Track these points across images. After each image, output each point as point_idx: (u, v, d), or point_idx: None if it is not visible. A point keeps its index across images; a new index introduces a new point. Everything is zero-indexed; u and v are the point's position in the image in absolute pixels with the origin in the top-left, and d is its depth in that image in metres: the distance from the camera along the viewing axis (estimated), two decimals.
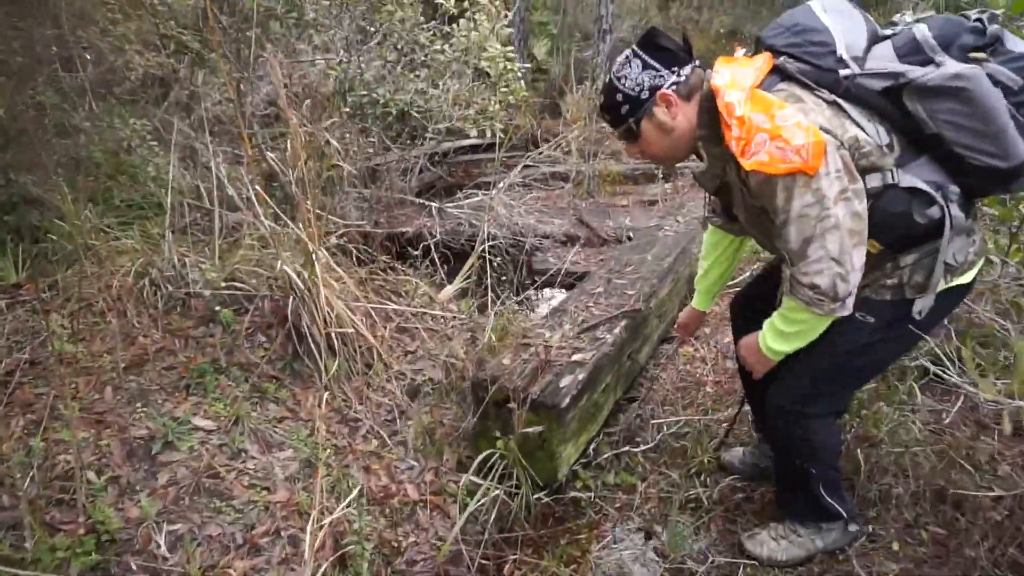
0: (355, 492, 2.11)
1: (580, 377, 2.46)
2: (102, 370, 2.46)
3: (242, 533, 2.12)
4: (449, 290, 3.66)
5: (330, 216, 2.55)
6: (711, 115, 1.68)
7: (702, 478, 2.62)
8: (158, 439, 2.25)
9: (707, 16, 16.01)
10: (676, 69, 1.73)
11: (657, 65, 1.72)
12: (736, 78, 1.64)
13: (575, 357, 2.56)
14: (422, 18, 3.27)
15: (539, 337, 2.71)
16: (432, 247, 4.18)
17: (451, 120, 3.44)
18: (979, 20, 1.64)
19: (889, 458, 2.47)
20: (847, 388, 2.05)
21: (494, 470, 2.38)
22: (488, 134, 3.58)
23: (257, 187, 2.32)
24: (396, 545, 2.28)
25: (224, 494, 2.20)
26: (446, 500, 2.50)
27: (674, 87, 1.72)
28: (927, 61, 1.58)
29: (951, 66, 1.54)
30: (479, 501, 2.29)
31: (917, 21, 1.67)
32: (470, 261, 3.67)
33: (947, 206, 1.63)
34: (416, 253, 4.02)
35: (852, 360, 1.88)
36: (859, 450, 2.43)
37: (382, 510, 2.38)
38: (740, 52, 1.81)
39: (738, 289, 2.65)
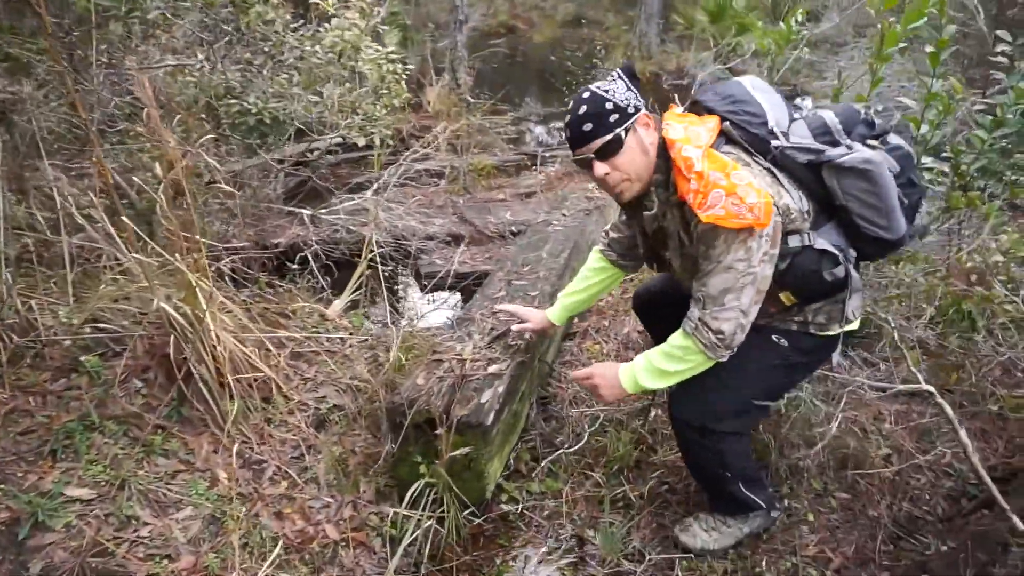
0: (278, 548, 1.89)
1: (500, 390, 2.38)
2: None
3: None
4: (338, 305, 3.44)
5: (201, 238, 2.26)
6: (665, 162, 1.84)
7: (626, 474, 2.63)
8: (24, 520, 1.91)
9: (552, 3, 16.38)
10: (645, 101, 1.85)
11: (636, 91, 1.84)
12: (690, 135, 1.79)
13: (491, 369, 2.47)
14: (288, 18, 2.99)
15: (449, 351, 2.59)
16: (309, 258, 3.92)
17: (338, 129, 3.20)
18: (865, 111, 1.97)
19: (794, 432, 2.61)
20: (755, 410, 2.10)
21: (423, 498, 2.25)
22: (377, 141, 3.38)
23: (124, 217, 2.00)
24: None
25: (117, 572, 1.91)
26: (369, 535, 2.34)
27: (651, 112, 1.85)
28: (835, 143, 1.86)
29: (863, 151, 1.81)
30: (413, 534, 2.15)
31: (818, 107, 1.99)
32: (358, 271, 3.47)
33: (848, 267, 1.87)
34: (295, 267, 3.75)
35: (762, 379, 2.03)
36: (768, 433, 2.53)
37: (301, 557, 2.18)
38: (677, 109, 1.99)
39: (638, 286, 2.73)
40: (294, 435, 2.54)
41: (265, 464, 2.41)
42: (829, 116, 1.90)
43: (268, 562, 1.85)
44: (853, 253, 1.91)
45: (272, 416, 2.53)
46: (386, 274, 3.72)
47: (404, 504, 2.20)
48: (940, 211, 2.81)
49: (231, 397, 2.45)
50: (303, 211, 4.36)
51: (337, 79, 3.11)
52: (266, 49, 2.81)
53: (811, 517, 2.40)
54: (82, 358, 2.32)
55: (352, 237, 4.40)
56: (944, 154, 2.66)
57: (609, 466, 2.66)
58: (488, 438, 2.28)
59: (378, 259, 3.63)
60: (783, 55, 3.24)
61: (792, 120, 1.91)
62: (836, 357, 2.05)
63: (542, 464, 2.72)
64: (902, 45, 2.54)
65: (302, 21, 2.93)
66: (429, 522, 2.21)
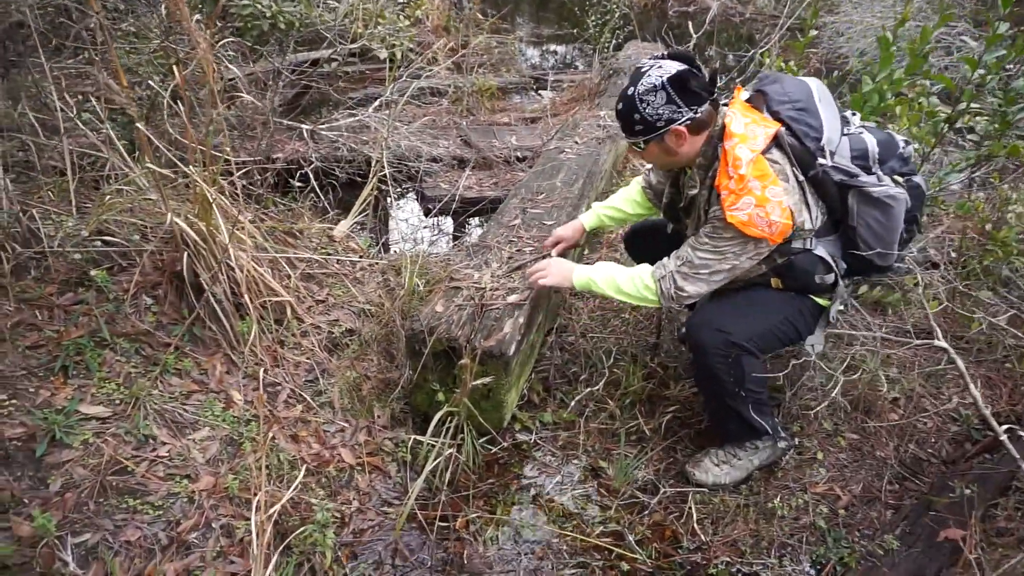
0: (301, 473, 1.87)
1: (520, 320, 2.34)
2: None
3: (166, 532, 1.84)
4: (345, 224, 3.34)
5: (212, 150, 2.14)
6: (714, 149, 2.00)
7: (639, 408, 2.64)
8: (40, 437, 1.86)
9: None
10: (695, 108, 1.96)
11: (680, 103, 1.94)
12: (748, 134, 1.92)
13: (511, 298, 2.42)
14: None
15: (467, 278, 2.53)
16: (311, 175, 3.78)
17: (358, 40, 3.00)
18: (906, 145, 2.14)
19: (806, 375, 2.63)
20: (772, 337, 2.17)
21: (444, 427, 2.24)
22: (399, 55, 3.19)
23: (140, 125, 1.87)
24: (340, 515, 2.10)
25: (137, 491, 1.88)
26: (384, 460, 2.33)
27: (687, 123, 1.96)
28: (867, 168, 2.04)
29: (890, 186, 2.01)
30: (435, 461, 2.14)
31: (863, 127, 2.14)
32: (365, 191, 3.35)
33: (838, 277, 2.12)
34: (298, 184, 3.61)
35: (780, 310, 2.16)
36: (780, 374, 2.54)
37: (318, 480, 2.17)
38: (742, 95, 2.10)
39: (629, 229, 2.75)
40: (307, 358, 2.49)
41: (279, 387, 2.37)
42: (871, 143, 2.06)
43: (292, 487, 1.82)
44: (844, 265, 2.13)
45: (285, 338, 2.48)
46: (392, 196, 3.61)
47: (428, 432, 2.18)
48: (971, 159, 2.76)
49: (243, 318, 2.38)
50: (303, 126, 4.17)
51: None
52: None
53: (821, 456, 2.43)
54: (90, 272, 2.22)
55: (353, 156, 4.24)
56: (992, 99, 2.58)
57: (622, 399, 2.66)
58: (509, 368, 2.25)
59: (382, 180, 3.51)
60: None
61: (841, 136, 2.05)
62: (812, 340, 2.25)
63: (555, 395, 2.72)
64: None
65: None
66: (450, 450, 2.20)
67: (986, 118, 2.71)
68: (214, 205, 2.01)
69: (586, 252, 3.57)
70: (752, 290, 2.16)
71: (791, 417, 2.58)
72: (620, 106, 2.03)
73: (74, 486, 1.81)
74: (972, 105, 2.56)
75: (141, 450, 1.97)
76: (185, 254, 2.12)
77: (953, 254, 2.98)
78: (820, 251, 2.07)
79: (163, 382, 2.17)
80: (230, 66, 2.27)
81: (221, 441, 2.10)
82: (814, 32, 3.34)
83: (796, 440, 2.48)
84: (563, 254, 2.57)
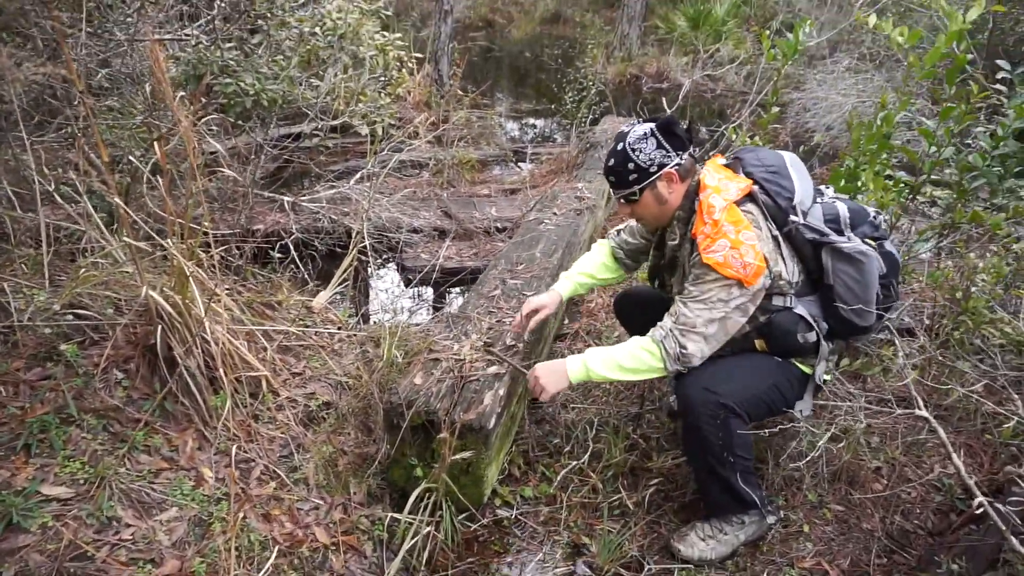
0: (273, 555, 1.79)
1: (500, 392, 2.31)
2: None
3: None
4: (323, 297, 3.33)
5: (191, 223, 2.13)
6: (691, 202, 2.12)
7: (621, 481, 2.59)
8: None
9: (531, 0, 16.29)
10: (681, 154, 2.10)
11: (668, 148, 2.08)
12: (721, 187, 2.05)
13: (491, 370, 2.40)
14: None
15: (446, 350, 2.51)
16: (291, 247, 3.79)
17: (340, 116, 3.07)
18: (876, 215, 2.27)
19: (789, 444, 2.61)
20: (759, 403, 2.17)
21: (423, 503, 2.17)
22: (380, 131, 3.26)
23: (117, 199, 1.87)
24: None
25: None
26: (360, 539, 2.25)
27: (676, 167, 2.09)
28: (840, 232, 2.15)
29: (859, 244, 2.11)
30: (412, 539, 2.07)
31: (836, 199, 2.26)
32: (346, 262, 3.36)
33: (820, 335, 2.16)
34: (278, 256, 3.61)
35: (766, 376, 2.18)
36: (763, 444, 2.52)
37: (290, 561, 2.08)
38: (720, 160, 2.25)
39: (621, 290, 2.81)
40: (282, 433, 2.43)
41: (252, 463, 2.30)
42: (842, 209, 2.19)
43: (262, 570, 1.74)
44: (825, 326, 2.18)
45: (260, 412, 2.42)
46: (372, 267, 3.61)
47: (406, 510, 2.11)
48: (936, 227, 2.85)
49: (216, 392, 2.33)
50: (284, 197, 4.21)
51: (336, 63, 2.98)
52: (264, 27, 2.68)
53: (807, 528, 2.39)
54: (60, 346, 2.17)
55: (334, 227, 4.27)
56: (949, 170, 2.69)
57: (604, 472, 2.62)
58: (489, 442, 2.21)
59: (365, 251, 3.52)
60: (786, 63, 3.22)
61: (814, 202, 2.17)
62: (801, 405, 2.25)
63: (536, 468, 2.67)
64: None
65: (302, 0, 2.82)
66: (428, 528, 2.13)
67: (947, 190, 2.81)
68: (191, 278, 1.99)
69: (566, 321, 3.58)
70: (743, 355, 2.19)
71: (775, 488, 2.55)
72: (612, 161, 2.11)
73: (29, 574, 1.72)
74: (933, 176, 2.66)
75: (103, 533, 1.88)
76: (159, 327, 2.09)
77: (927, 321, 3.03)
78: (800, 309, 2.13)
79: (131, 460, 2.10)
80: (211, 140, 2.29)
81: (189, 522, 2.01)
82: (776, 109, 3.49)
83: (782, 513, 2.44)
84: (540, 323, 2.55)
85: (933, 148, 2.60)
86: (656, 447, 2.72)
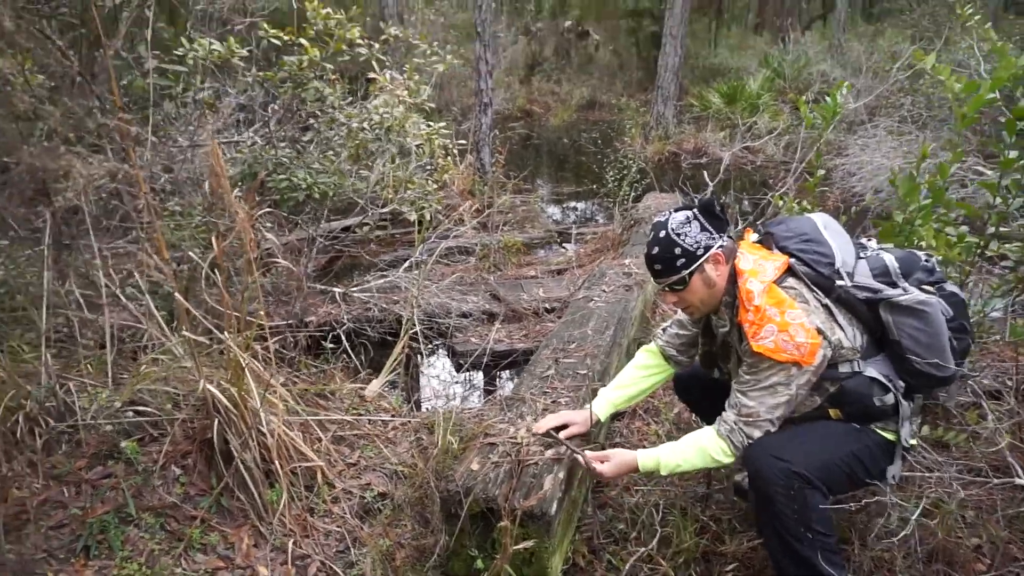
0: None
1: (560, 476, 2.22)
2: None
3: None
4: (376, 385, 3.32)
5: (246, 316, 2.17)
6: (734, 286, 2.05)
7: (692, 567, 2.42)
8: None
9: (567, 88, 16.89)
10: (723, 235, 2.04)
11: (712, 230, 2.02)
12: (757, 268, 2.00)
13: (549, 453, 2.31)
14: (340, 93, 3.02)
15: (502, 434, 2.44)
16: (343, 337, 3.82)
17: (389, 204, 3.17)
18: (928, 259, 2.16)
19: (874, 523, 2.41)
20: (838, 473, 2.04)
21: None
22: (428, 216, 3.35)
23: (177, 294, 1.92)
24: None
25: None
26: None
27: (721, 248, 2.02)
28: (893, 284, 2.06)
29: (918, 293, 2.01)
30: None
31: (880, 250, 2.18)
32: (397, 350, 3.36)
33: (897, 396, 2.02)
34: (330, 346, 3.65)
35: (843, 444, 2.04)
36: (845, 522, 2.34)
37: None
38: (752, 237, 2.20)
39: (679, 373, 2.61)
40: (338, 526, 2.37)
41: (309, 559, 2.23)
42: (890, 260, 2.10)
43: None
44: (901, 384, 2.04)
45: (315, 506, 2.37)
46: (423, 353, 3.61)
47: None
48: (1011, 281, 2.71)
49: (272, 485, 2.30)
50: (336, 289, 4.29)
51: (384, 154, 3.10)
52: (315, 125, 2.82)
53: None
54: (121, 444, 2.19)
55: (384, 315, 4.31)
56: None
57: (675, 559, 2.45)
58: (551, 530, 2.10)
59: (417, 337, 3.53)
60: (827, 127, 3.20)
61: (857, 259, 2.10)
62: (893, 470, 2.11)
63: (602, 557, 2.52)
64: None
65: (350, 99, 2.95)
66: None
67: (1017, 243, 2.69)
68: (246, 369, 2.00)
69: (614, 423, 3.45)
70: (816, 423, 2.07)
71: (864, 572, 2.34)
72: (656, 249, 2.04)
73: None
74: (1001, 228, 2.56)
75: None
76: (216, 421, 2.09)
77: (1009, 383, 2.83)
78: (871, 372, 2.02)
79: (187, 559, 2.06)
80: (267, 235, 2.37)
81: None
82: (822, 172, 3.45)
83: None
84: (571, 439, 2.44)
85: (998, 200, 2.50)
86: (728, 529, 2.55)
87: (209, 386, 2.05)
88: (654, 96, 12.16)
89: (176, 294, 1.89)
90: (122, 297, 2.43)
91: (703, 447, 2.03)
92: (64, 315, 2.70)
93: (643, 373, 2.48)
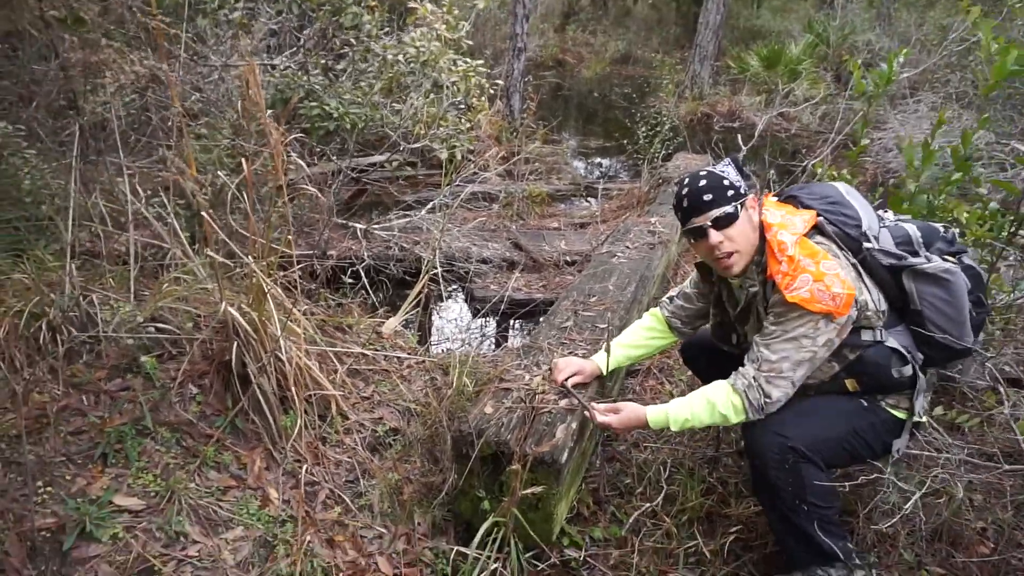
0: None
1: (573, 426, 2.22)
2: None
3: None
4: (393, 323, 3.31)
5: (270, 243, 2.16)
6: (761, 244, 1.99)
7: (696, 527, 2.44)
8: (70, 528, 1.78)
9: (601, 40, 16.47)
10: (749, 188, 2.00)
11: (743, 177, 2.00)
12: (786, 222, 1.96)
13: (563, 403, 2.31)
14: (377, 22, 2.93)
15: (518, 380, 2.44)
16: (362, 273, 3.82)
17: (420, 140, 3.10)
18: (946, 229, 2.12)
19: (880, 498, 2.40)
20: (836, 447, 2.03)
21: (489, 538, 2.08)
22: (459, 155, 3.28)
23: (204, 212, 1.90)
24: None
25: None
26: (423, 572, 2.17)
27: (754, 195, 1.99)
28: (915, 253, 2.01)
29: (940, 262, 1.98)
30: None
31: (899, 220, 2.14)
32: (416, 289, 3.35)
33: (915, 367, 1.99)
34: (349, 281, 3.64)
35: (844, 420, 2.03)
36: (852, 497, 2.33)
37: None
38: (772, 197, 2.15)
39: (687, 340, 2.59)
40: (349, 457, 2.39)
41: (318, 486, 2.26)
42: (912, 229, 2.06)
43: None
44: (920, 356, 2.01)
45: (328, 435, 2.39)
46: (442, 295, 3.60)
47: (473, 544, 2.03)
48: None
49: (286, 412, 2.32)
50: (357, 225, 4.27)
51: (419, 89, 3.02)
52: (350, 54, 2.74)
53: None
54: (140, 359, 2.21)
55: (404, 255, 4.30)
56: None
57: (679, 517, 2.47)
58: (560, 477, 2.11)
59: (436, 279, 3.52)
60: (880, 94, 3.08)
61: (880, 228, 2.06)
62: (899, 443, 2.08)
63: (606, 508, 2.54)
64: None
65: (387, 29, 2.86)
66: (495, 564, 2.03)
67: None
68: (268, 295, 1.99)
69: (627, 380, 3.43)
70: (821, 397, 2.04)
71: (866, 545, 2.34)
72: (703, 182, 1.95)
73: None
74: None
75: (171, 548, 1.87)
76: (235, 344, 2.10)
77: None
78: (892, 342, 1.98)
79: (201, 475, 2.09)
80: (296, 160, 2.32)
81: (254, 542, 1.98)
82: (866, 142, 3.33)
83: (874, 572, 2.24)
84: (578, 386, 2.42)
85: None
86: (734, 492, 2.56)
87: (230, 308, 2.04)
88: (691, 54, 11.84)
89: (203, 212, 1.86)
90: (147, 214, 2.42)
91: (713, 401, 1.99)
92: (88, 228, 2.70)
93: (648, 335, 2.46)
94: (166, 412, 2.16)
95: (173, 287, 2.36)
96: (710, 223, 1.94)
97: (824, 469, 1.97)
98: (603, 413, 2.13)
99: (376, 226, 4.40)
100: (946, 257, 2.04)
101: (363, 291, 3.65)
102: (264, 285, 1.98)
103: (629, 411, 2.11)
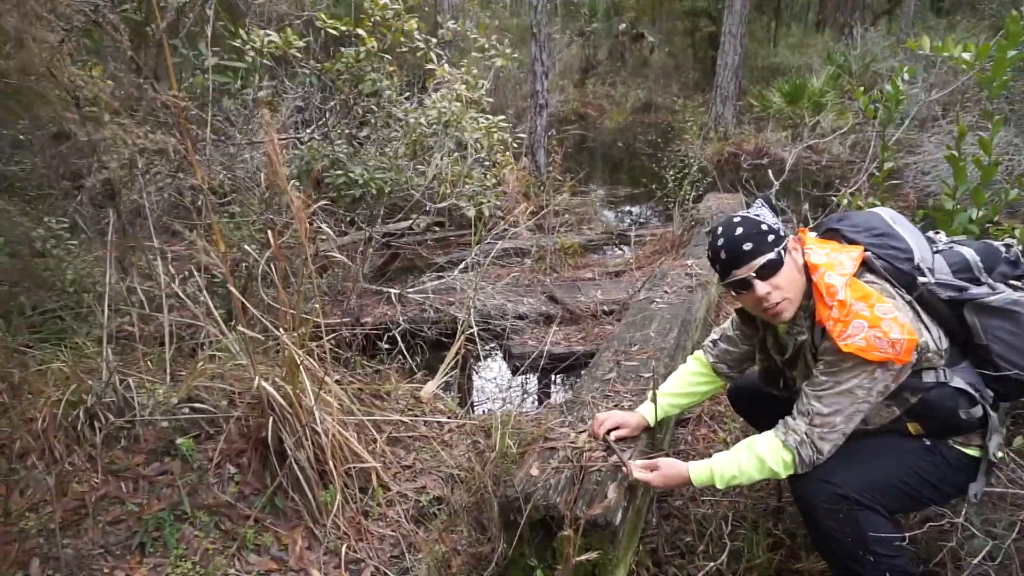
0: None
1: (624, 484, 2.09)
2: (25, 534, 1.90)
3: None
4: (431, 386, 3.25)
5: (302, 314, 2.13)
6: (808, 287, 1.82)
7: None
8: None
9: (621, 91, 16.69)
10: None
11: (778, 218, 1.83)
12: (833, 261, 1.79)
13: (612, 459, 2.19)
14: (397, 86, 2.98)
15: (563, 438, 2.33)
16: (398, 337, 3.78)
17: (446, 199, 3.10)
18: (1008, 249, 1.94)
19: (970, 547, 2.20)
20: (894, 492, 1.85)
21: None
22: (486, 212, 3.27)
23: (233, 288, 1.89)
24: None
25: None
26: None
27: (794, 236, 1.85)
28: (975, 280, 1.84)
29: (1009, 292, 1.80)
30: None
31: (953, 241, 1.98)
32: (453, 350, 3.29)
33: (986, 407, 1.81)
34: (385, 346, 3.60)
35: (900, 461, 1.86)
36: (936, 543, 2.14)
37: None
38: (811, 234, 1.98)
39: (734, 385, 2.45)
40: (393, 530, 2.30)
41: (363, 564, 2.17)
42: (970, 253, 1.89)
43: None
44: (990, 394, 1.83)
45: (370, 509, 2.31)
46: (480, 354, 3.53)
47: None
48: None
49: (326, 486, 2.25)
50: (391, 290, 4.26)
51: (442, 148, 3.03)
52: (372, 120, 2.77)
53: None
54: (177, 441, 2.17)
55: (440, 316, 4.26)
56: None
57: (747, 575, 2.30)
58: (616, 540, 1.98)
59: (473, 338, 3.46)
60: (895, 115, 2.99)
61: (933, 255, 1.89)
62: (976, 487, 1.89)
63: (668, 572, 2.38)
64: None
65: (407, 93, 2.90)
66: None
67: None
68: (301, 367, 1.95)
69: (678, 430, 3.29)
70: (874, 438, 1.87)
71: None
72: (739, 231, 1.77)
73: None
74: None
75: None
76: (271, 419, 2.05)
77: None
78: (958, 382, 1.80)
79: (240, 559, 2.02)
80: (322, 226, 2.32)
81: None
82: (890, 164, 3.24)
83: None
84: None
85: None
86: (804, 544, 2.38)
87: (264, 383, 2.00)
88: (712, 96, 11.89)
89: (231, 288, 1.85)
90: (182, 295, 2.42)
91: (762, 457, 1.84)
92: (127, 313, 2.72)
93: (694, 381, 2.32)
94: (204, 495, 2.11)
95: (208, 366, 2.35)
96: (754, 274, 1.77)
97: (886, 516, 1.81)
98: (641, 470, 1.99)
99: (410, 289, 4.38)
100: (1012, 282, 1.87)
101: (400, 356, 3.61)
102: (296, 357, 1.94)
103: (668, 468, 1.96)
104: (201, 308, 2.48)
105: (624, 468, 2.04)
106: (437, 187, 3.09)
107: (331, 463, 2.14)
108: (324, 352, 2.42)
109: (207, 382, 2.34)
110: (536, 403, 3.75)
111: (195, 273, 2.71)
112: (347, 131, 2.92)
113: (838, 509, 1.77)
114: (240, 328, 1.94)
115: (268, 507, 2.17)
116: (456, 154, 3.16)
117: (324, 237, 3.80)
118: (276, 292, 1.95)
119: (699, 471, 1.92)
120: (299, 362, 1.96)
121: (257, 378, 1.96)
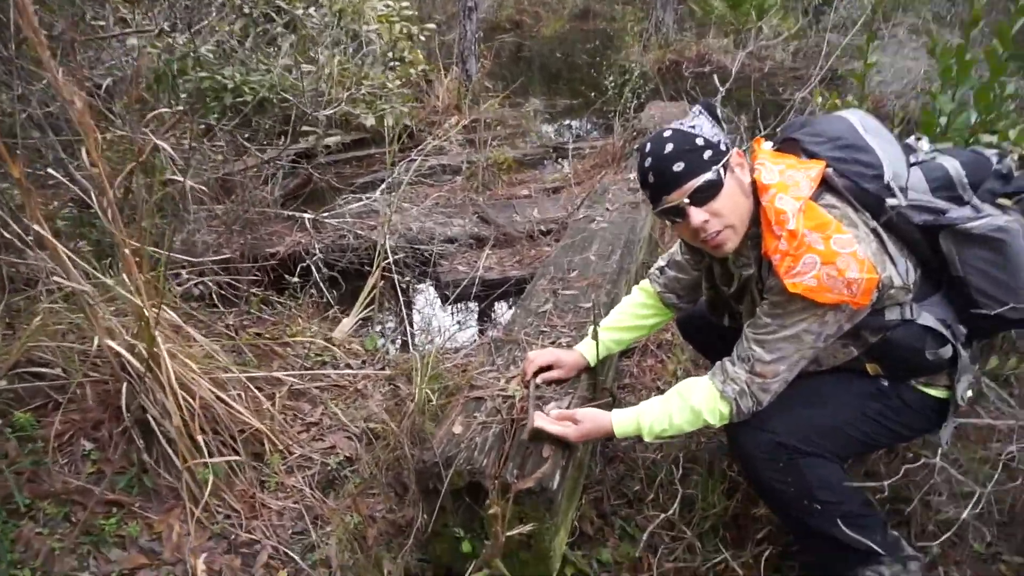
0: None
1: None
2: None
3: None
4: (347, 324, 2.87)
5: (172, 253, 1.70)
6: (756, 210, 1.55)
7: (722, 535, 2.04)
8: None
9: None
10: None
11: (720, 128, 1.54)
12: (787, 181, 1.52)
13: (551, 410, 1.87)
14: None
15: (491, 386, 2.00)
16: (313, 268, 3.35)
17: (338, 105, 2.59)
18: (1000, 159, 1.67)
19: (942, 478, 2.00)
20: (843, 438, 1.66)
21: None
22: (390, 121, 2.78)
23: (37, 226, 1.43)
24: None
25: None
26: None
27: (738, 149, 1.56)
28: (957, 199, 1.60)
29: (995, 217, 1.54)
30: None
31: (937, 151, 1.70)
32: (369, 283, 2.90)
33: (956, 347, 1.60)
34: (295, 280, 3.17)
35: (854, 406, 1.66)
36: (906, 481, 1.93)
37: None
38: (766, 144, 1.71)
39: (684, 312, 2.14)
40: (295, 502, 1.95)
41: (258, 545, 1.83)
42: (954, 167, 1.63)
43: None
44: (963, 330, 1.63)
45: (266, 479, 1.95)
46: (403, 285, 3.14)
47: None
48: None
49: (210, 455, 1.87)
50: (304, 215, 3.78)
51: (335, 47, 2.50)
52: (247, 11, 2.25)
53: None
54: (12, 414, 1.74)
55: (361, 243, 3.84)
56: None
57: (701, 524, 2.07)
58: (554, 507, 1.68)
59: (392, 267, 3.06)
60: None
61: (909, 167, 1.62)
62: (945, 434, 1.72)
63: (614, 523, 2.13)
64: None
65: None
66: None
67: None
68: (151, 319, 1.53)
69: (623, 361, 2.99)
70: (823, 378, 1.67)
71: (929, 536, 1.95)
72: (669, 146, 1.48)
73: None
74: None
75: None
76: (124, 384, 1.64)
77: None
78: (926, 319, 1.59)
79: (99, 557, 1.64)
80: (161, 143, 1.81)
81: None
82: (874, 59, 2.91)
83: (940, 570, 1.86)
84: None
85: None
86: None
87: (109, 341, 1.58)
88: (653, 1, 11.30)
89: (37, 226, 1.39)
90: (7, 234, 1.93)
91: (696, 409, 1.63)
92: None
93: (639, 313, 2.05)
94: (49, 481, 1.71)
95: (50, 320, 1.89)
96: (688, 199, 1.49)
97: (833, 460, 1.62)
98: (554, 423, 1.71)
99: (325, 214, 3.92)
100: (1000, 201, 1.62)
101: (315, 290, 3.20)
102: (143, 307, 1.52)
103: (588, 421, 1.71)
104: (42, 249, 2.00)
105: (537, 420, 1.72)
106: (327, 91, 2.59)
107: (206, 430, 1.75)
108: (204, 294, 2.00)
109: (52, 341, 1.89)
110: (469, 339, 3.41)
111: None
112: (227, 27, 2.38)
113: (778, 458, 1.59)
114: (56, 278, 1.49)
115: (136, 488, 1.79)
116: (350, 51, 2.63)
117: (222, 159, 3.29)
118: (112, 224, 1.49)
119: (624, 424, 1.69)
120: (146, 311, 1.54)
121: (96, 336, 1.53)
